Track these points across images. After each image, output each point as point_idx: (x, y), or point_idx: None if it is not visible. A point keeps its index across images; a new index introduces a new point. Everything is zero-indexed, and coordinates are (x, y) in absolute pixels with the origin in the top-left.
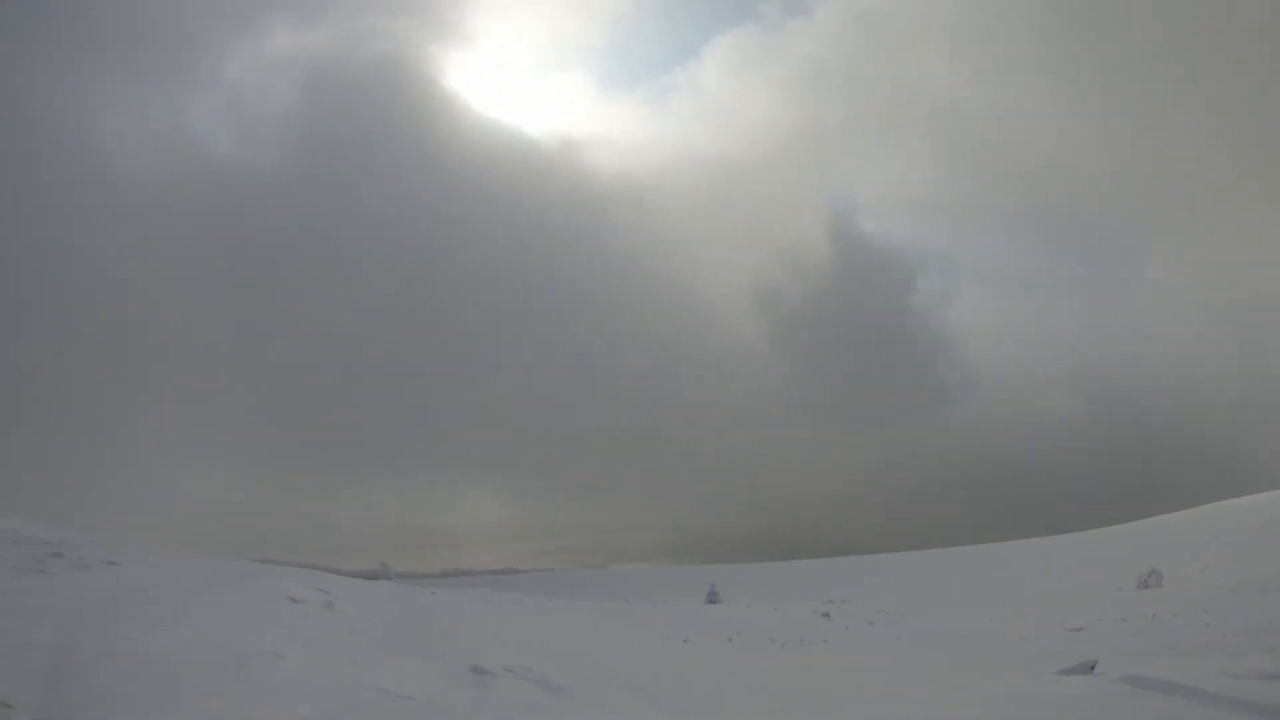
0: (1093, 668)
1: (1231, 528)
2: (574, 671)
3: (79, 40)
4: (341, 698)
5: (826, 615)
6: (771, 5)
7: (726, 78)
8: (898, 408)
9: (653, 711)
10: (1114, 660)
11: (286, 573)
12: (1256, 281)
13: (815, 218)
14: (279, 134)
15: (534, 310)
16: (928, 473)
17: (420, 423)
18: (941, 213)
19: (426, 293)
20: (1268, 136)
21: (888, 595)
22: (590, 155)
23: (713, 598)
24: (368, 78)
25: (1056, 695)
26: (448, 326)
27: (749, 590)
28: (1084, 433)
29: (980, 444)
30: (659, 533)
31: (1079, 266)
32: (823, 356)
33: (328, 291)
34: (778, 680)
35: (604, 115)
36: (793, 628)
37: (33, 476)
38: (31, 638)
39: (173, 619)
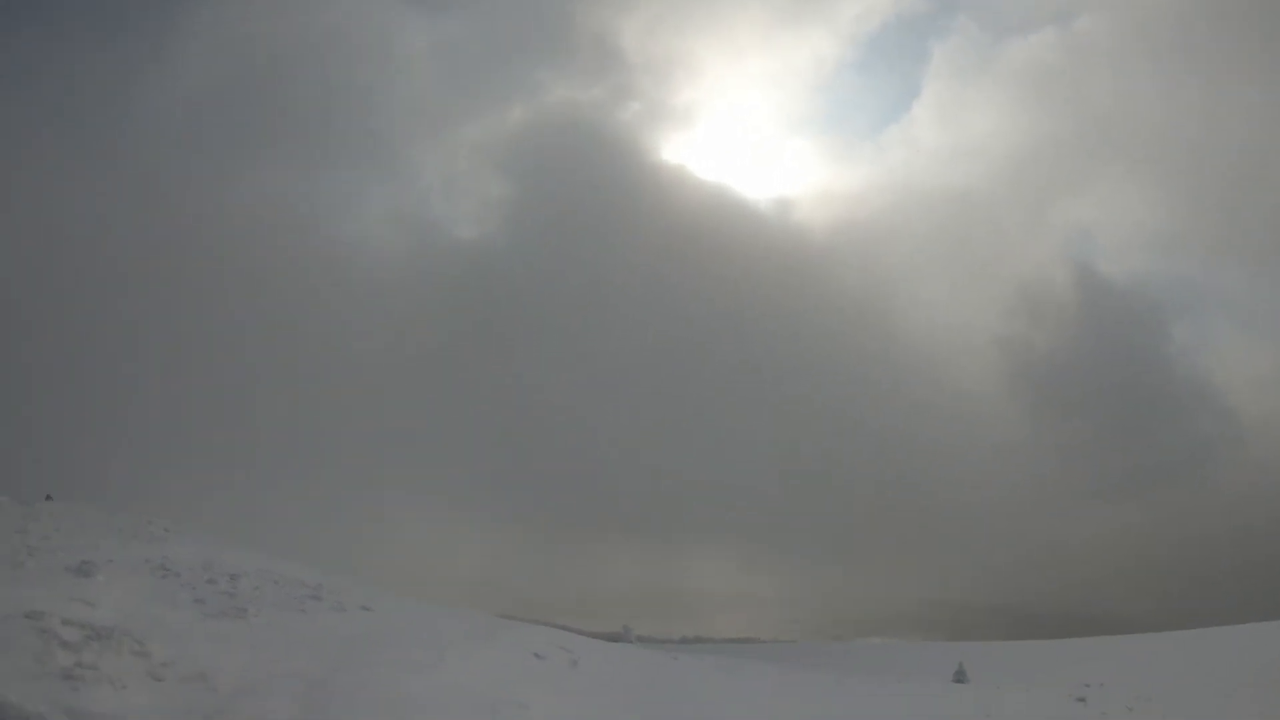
0: None
1: None
2: None
3: (324, 144)
4: None
5: (1082, 700)
6: (979, 27)
7: (944, 108)
8: (1154, 468)
9: None
10: None
11: (532, 630)
12: None
13: (1052, 255)
14: (502, 213)
15: (762, 370)
16: (1191, 540)
17: (660, 485)
18: (1192, 249)
19: (656, 357)
20: None
21: (1149, 679)
22: (808, 210)
23: (960, 677)
24: (569, 151)
25: None
26: (678, 389)
27: (998, 669)
28: None
29: (1252, 507)
30: (904, 604)
31: None
32: (1069, 411)
33: (562, 357)
34: None
35: (821, 171)
36: (1045, 712)
37: (299, 523)
38: (290, 669)
39: (426, 664)
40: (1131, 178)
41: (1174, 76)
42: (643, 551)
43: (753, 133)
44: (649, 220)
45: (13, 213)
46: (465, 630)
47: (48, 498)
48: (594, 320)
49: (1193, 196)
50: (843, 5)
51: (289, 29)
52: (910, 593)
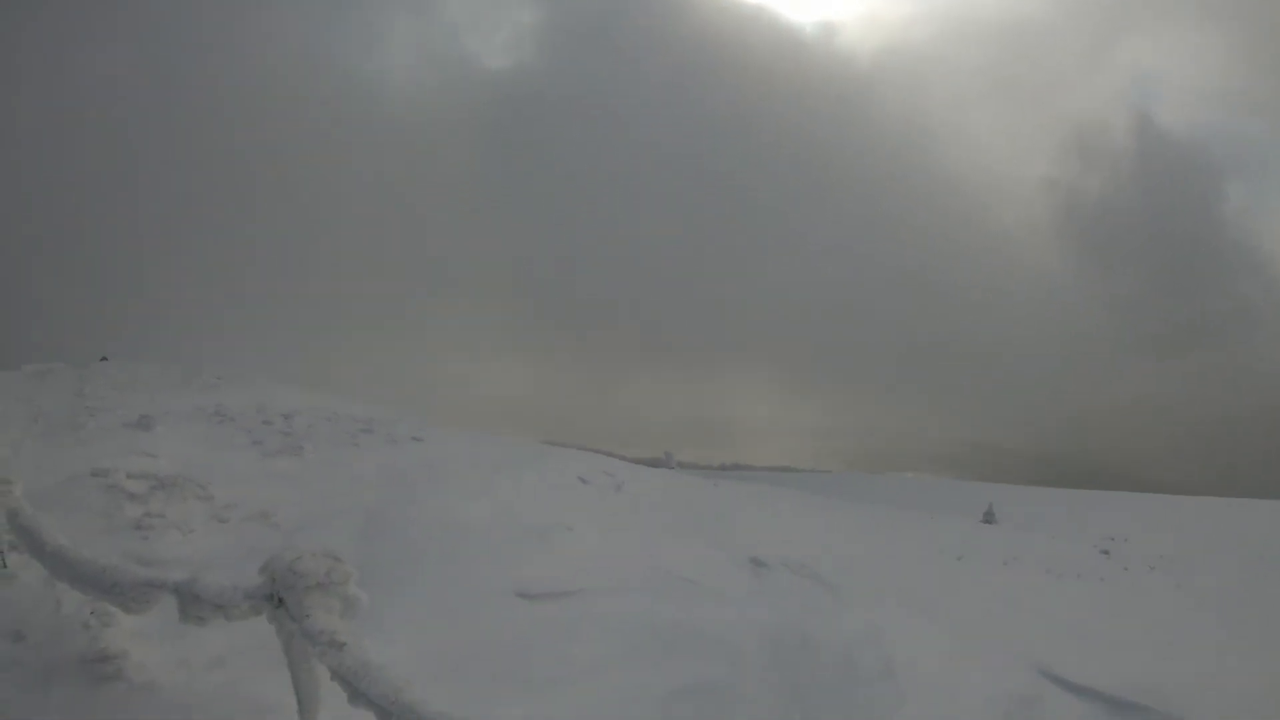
0: None
1: None
2: (848, 573)
3: None
4: (626, 572)
5: (1106, 552)
6: None
7: None
8: (1196, 328)
9: (925, 622)
10: None
11: (577, 455)
12: None
13: (1111, 98)
14: (534, 40)
15: (799, 203)
16: (1228, 405)
17: (703, 317)
18: (1258, 108)
19: (693, 186)
20: None
21: (1173, 540)
22: (853, 35)
23: (989, 518)
24: None
25: None
26: (715, 220)
27: (1027, 514)
28: None
29: None
30: (938, 443)
31: None
32: (1115, 261)
33: (604, 186)
34: (1051, 611)
35: None
36: (1069, 560)
37: (352, 364)
38: (350, 503)
39: (475, 490)
40: (1202, 23)
41: None
42: (683, 381)
43: None
44: (685, 43)
45: (37, 65)
46: (512, 457)
47: (103, 359)
48: (629, 149)
49: (1264, 51)
50: None
51: None
52: (944, 433)
